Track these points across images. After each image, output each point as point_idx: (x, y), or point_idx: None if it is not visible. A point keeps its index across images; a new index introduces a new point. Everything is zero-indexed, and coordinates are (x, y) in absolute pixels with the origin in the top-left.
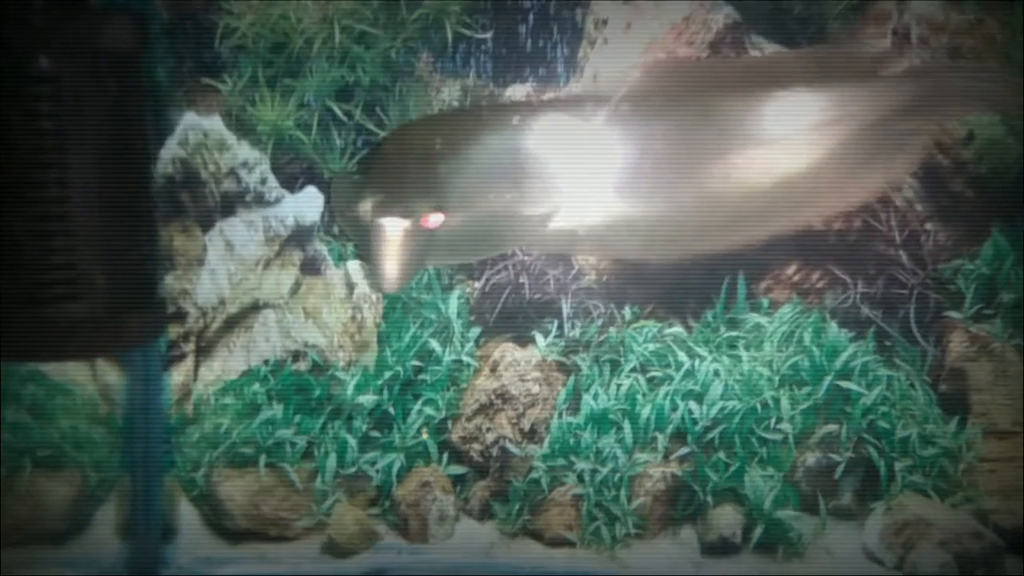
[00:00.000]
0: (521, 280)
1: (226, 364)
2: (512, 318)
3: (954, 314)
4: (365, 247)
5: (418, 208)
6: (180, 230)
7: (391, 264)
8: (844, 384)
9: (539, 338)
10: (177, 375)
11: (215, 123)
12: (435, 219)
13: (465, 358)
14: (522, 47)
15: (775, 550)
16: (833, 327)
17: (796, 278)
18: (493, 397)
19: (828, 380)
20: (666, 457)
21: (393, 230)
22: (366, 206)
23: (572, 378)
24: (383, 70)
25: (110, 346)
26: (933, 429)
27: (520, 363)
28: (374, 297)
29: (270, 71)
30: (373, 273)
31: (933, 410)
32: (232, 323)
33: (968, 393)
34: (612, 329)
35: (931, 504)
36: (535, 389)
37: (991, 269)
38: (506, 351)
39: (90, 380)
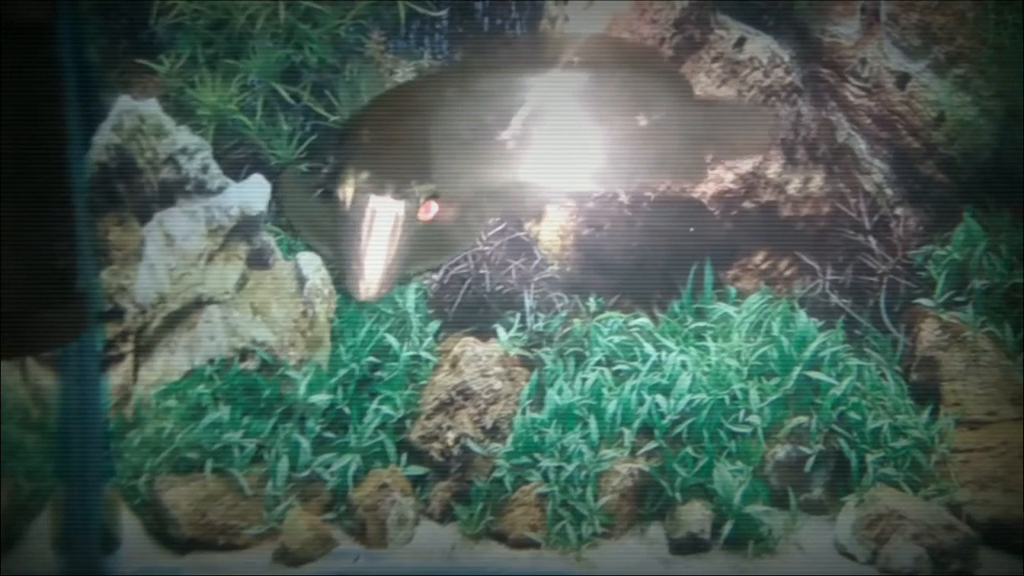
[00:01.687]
0: (482, 271)
1: (168, 364)
2: (473, 311)
3: (925, 301)
4: (335, 242)
5: (416, 192)
6: (116, 222)
7: (377, 259)
8: (814, 375)
9: (501, 331)
10: (115, 377)
11: (152, 107)
12: (433, 208)
13: (424, 354)
14: (479, 25)
15: (745, 546)
16: (802, 316)
17: (764, 266)
18: (454, 394)
19: (797, 371)
20: (633, 453)
21: (385, 214)
22: (346, 188)
23: (536, 373)
24: (331, 49)
25: (23, 346)
26: (905, 420)
27: (481, 358)
28: (326, 291)
29: (210, 50)
30: (348, 273)
31: (905, 400)
32: (174, 321)
33: (940, 382)
34: (576, 321)
35: (904, 497)
36: (497, 385)
37: (963, 255)
38: (467, 346)
39: (21, 383)
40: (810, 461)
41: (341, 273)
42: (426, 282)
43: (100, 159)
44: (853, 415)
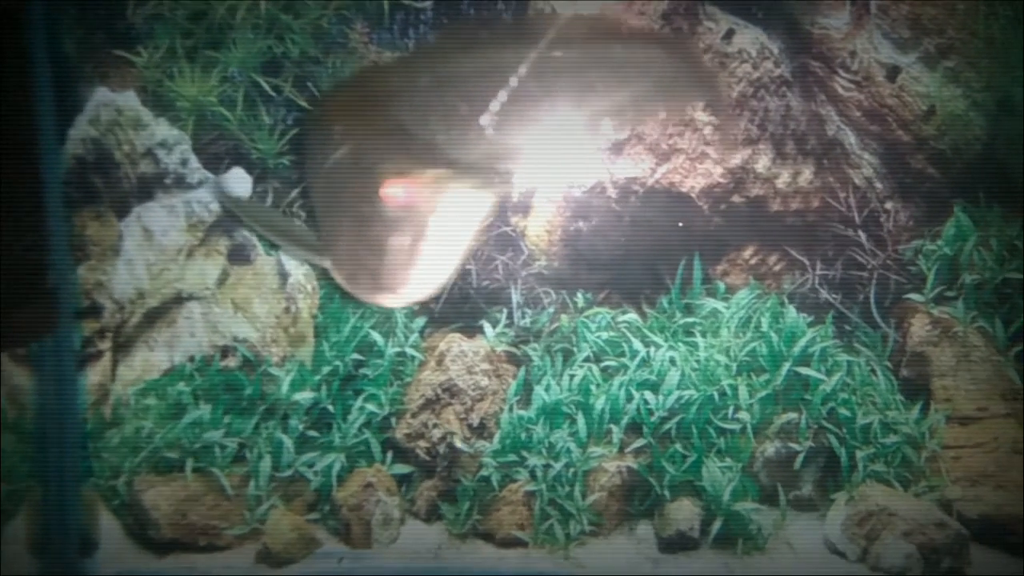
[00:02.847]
0: (468, 266)
1: (147, 362)
2: (459, 307)
3: (915, 296)
4: (358, 244)
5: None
6: (93, 217)
7: (444, 259)
8: (803, 371)
9: (488, 328)
10: (93, 375)
11: (130, 99)
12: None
13: (409, 350)
14: (464, 16)
15: (735, 544)
16: (791, 311)
17: (753, 261)
18: (439, 391)
19: (787, 367)
20: (621, 450)
21: (467, 208)
22: (399, 183)
23: (523, 369)
24: (314, 41)
25: None
26: (895, 416)
27: (468, 354)
28: (310, 287)
29: (189, 42)
30: (381, 277)
31: (895, 396)
32: (153, 317)
33: (930, 378)
34: (564, 317)
35: (894, 494)
36: (484, 382)
37: (953, 249)
38: (453, 342)
39: None
40: (800, 458)
41: (367, 278)
42: None
43: (77, 152)
44: (843, 411)
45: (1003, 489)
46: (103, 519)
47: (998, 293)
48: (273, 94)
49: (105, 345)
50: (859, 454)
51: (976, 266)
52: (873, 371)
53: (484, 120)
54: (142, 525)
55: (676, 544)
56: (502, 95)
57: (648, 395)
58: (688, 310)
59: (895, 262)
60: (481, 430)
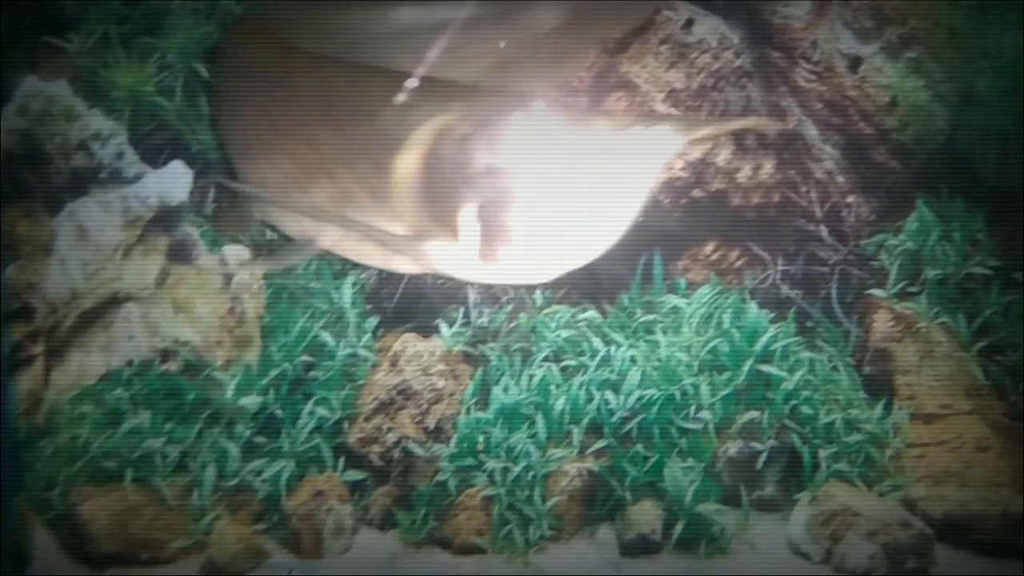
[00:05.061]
0: None
1: (82, 367)
2: (413, 306)
3: (878, 292)
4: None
5: None
6: (23, 213)
7: (612, 222)
8: (765, 368)
9: (443, 327)
10: (25, 381)
11: (61, 89)
12: None
13: (362, 351)
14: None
15: (697, 546)
16: (753, 308)
17: (714, 257)
18: (394, 394)
19: (748, 364)
20: (582, 452)
21: (644, 168)
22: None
23: (480, 370)
24: None
25: None
26: (858, 414)
27: (423, 355)
28: (255, 286)
29: (125, 28)
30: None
31: (858, 394)
32: (88, 320)
33: (894, 375)
34: (522, 315)
35: (858, 493)
36: (440, 383)
37: (916, 244)
38: (407, 342)
39: None
40: (762, 457)
41: (505, 247)
42: (363, 275)
43: (4, 145)
44: (805, 409)
45: (967, 487)
46: (37, 533)
47: (961, 288)
48: (214, 83)
49: (37, 349)
50: (822, 453)
51: (939, 261)
52: (836, 368)
53: (399, 98)
54: (79, 538)
55: (638, 547)
56: (433, 52)
57: (609, 395)
58: (649, 307)
59: (857, 257)
60: (437, 433)
